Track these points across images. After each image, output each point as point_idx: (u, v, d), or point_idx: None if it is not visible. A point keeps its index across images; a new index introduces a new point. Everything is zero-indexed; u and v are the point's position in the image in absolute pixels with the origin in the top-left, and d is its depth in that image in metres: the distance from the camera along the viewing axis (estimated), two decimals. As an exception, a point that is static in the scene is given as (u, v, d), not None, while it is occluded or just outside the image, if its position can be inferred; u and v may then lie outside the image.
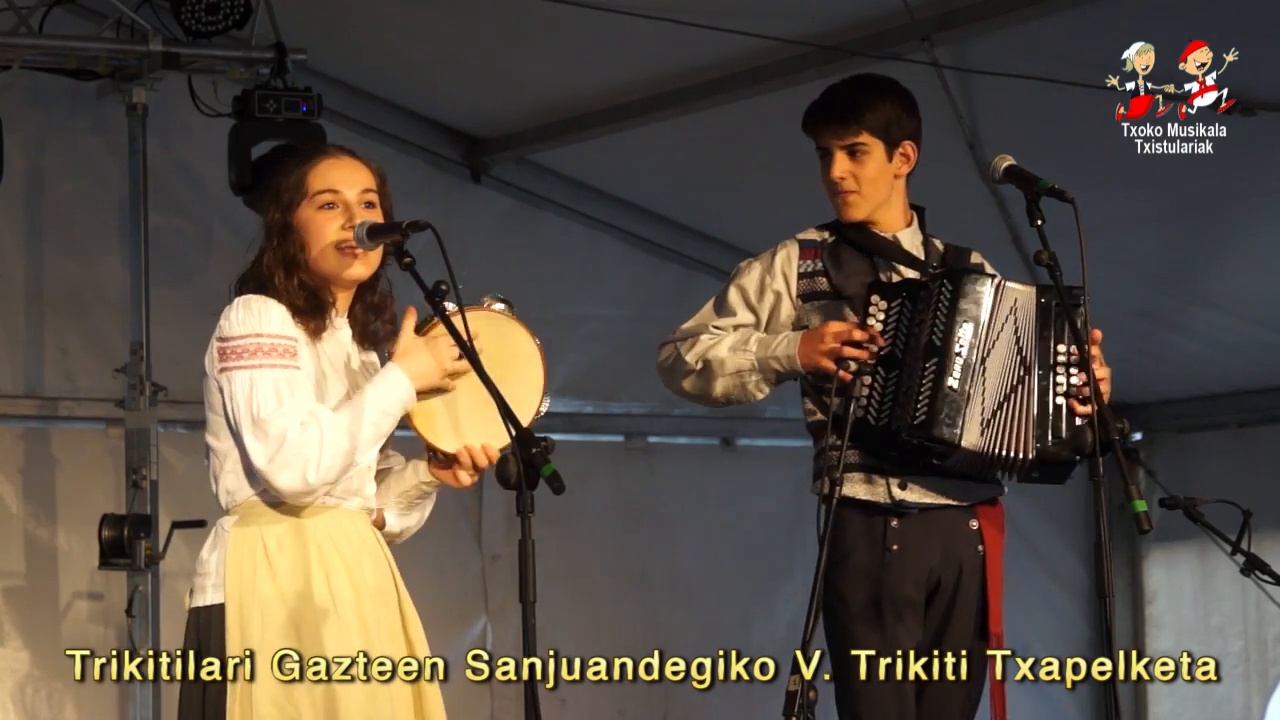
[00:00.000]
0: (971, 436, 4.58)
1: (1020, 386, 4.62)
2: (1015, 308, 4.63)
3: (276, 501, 3.99)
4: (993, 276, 4.68)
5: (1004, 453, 4.60)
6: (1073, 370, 4.60)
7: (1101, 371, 4.58)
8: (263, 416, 3.90)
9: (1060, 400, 4.61)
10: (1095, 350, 4.57)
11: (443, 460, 4.13)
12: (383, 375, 4.01)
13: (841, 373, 4.58)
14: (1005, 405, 4.61)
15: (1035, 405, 4.61)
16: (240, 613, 3.93)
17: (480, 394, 3.87)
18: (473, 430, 4.07)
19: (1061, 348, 4.62)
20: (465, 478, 4.11)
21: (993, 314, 4.61)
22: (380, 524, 4.15)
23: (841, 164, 4.76)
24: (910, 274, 4.75)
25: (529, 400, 4.09)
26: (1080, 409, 4.57)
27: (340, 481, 3.99)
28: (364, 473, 4.06)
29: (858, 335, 4.60)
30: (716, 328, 4.81)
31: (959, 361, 4.58)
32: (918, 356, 4.60)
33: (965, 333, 4.59)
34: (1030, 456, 4.60)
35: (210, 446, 4.05)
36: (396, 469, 4.20)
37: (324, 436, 3.90)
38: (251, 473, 3.97)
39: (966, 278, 4.63)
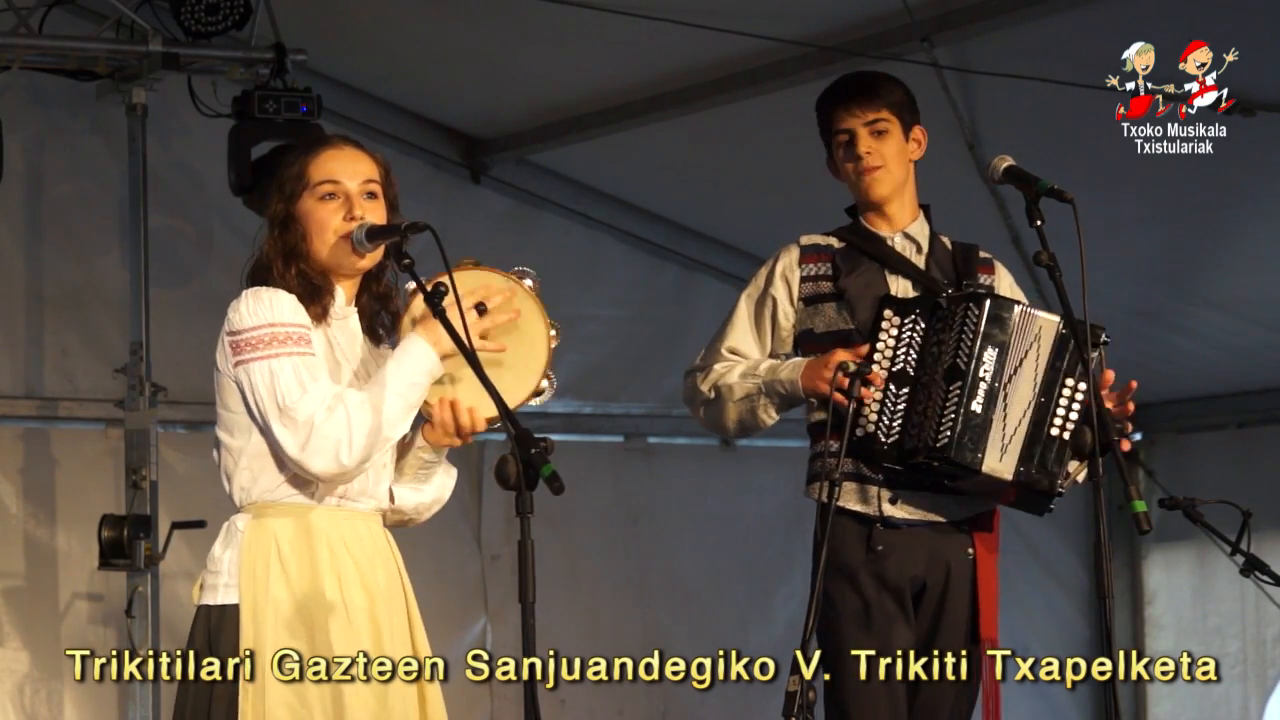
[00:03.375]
0: (991, 462, 4.59)
1: (1027, 412, 4.62)
2: (1039, 335, 4.64)
3: (289, 501, 3.99)
4: (1018, 302, 4.69)
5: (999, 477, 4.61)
6: (1074, 405, 4.61)
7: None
8: (288, 405, 3.89)
9: (1055, 431, 4.62)
10: (1104, 391, 4.55)
11: (432, 418, 4.04)
12: (404, 347, 3.98)
13: (838, 397, 4.58)
14: (1016, 431, 4.62)
15: (1029, 430, 4.61)
16: (254, 615, 3.92)
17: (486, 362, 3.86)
18: (466, 394, 4.01)
19: (1070, 381, 4.62)
20: (442, 435, 4.04)
21: (1018, 340, 4.62)
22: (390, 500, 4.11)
23: (866, 140, 4.80)
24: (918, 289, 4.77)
25: (526, 380, 4.05)
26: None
27: (356, 480, 3.99)
28: (378, 471, 4.05)
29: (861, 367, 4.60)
30: (730, 351, 4.84)
31: (983, 386, 4.59)
32: (938, 377, 4.60)
33: (990, 357, 4.60)
34: (1009, 479, 4.61)
35: (222, 443, 4.03)
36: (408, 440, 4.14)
37: (351, 417, 3.89)
38: (281, 463, 3.96)
39: (994, 302, 4.63)
